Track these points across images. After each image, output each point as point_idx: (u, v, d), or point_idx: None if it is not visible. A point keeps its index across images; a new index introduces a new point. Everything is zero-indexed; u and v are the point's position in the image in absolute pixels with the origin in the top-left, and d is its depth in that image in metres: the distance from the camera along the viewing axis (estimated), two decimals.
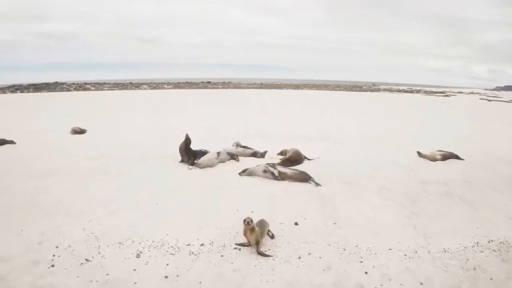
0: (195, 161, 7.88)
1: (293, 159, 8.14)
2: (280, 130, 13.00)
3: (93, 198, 6.08)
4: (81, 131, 12.36)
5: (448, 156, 9.65)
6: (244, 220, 4.48)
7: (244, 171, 7.22)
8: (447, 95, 44.79)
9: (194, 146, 8.84)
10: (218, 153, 8.14)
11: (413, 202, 6.35)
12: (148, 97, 29.31)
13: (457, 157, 9.75)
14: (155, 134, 12.08)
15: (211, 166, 7.87)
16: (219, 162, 8.12)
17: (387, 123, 15.73)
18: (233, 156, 8.46)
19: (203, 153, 8.28)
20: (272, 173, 6.95)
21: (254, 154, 8.77)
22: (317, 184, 6.73)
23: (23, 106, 22.91)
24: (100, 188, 6.57)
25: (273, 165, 7.26)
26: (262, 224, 4.74)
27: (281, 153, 9.03)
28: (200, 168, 7.76)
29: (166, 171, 7.61)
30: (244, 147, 9.06)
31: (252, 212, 5.61)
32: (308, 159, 8.56)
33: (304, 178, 6.86)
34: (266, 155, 8.87)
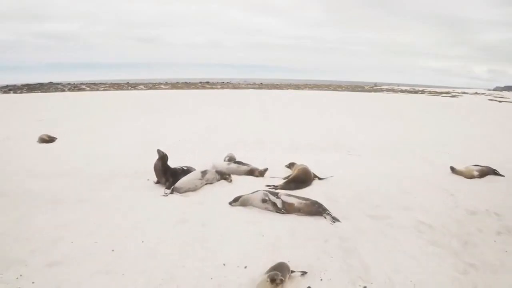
0: (174, 185, 6.14)
1: (300, 179, 6.40)
2: (281, 137, 11.21)
3: (32, 239, 4.42)
4: (50, 140, 10.62)
5: (486, 172, 7.94)
6: (272, 279, 2.87)
7: (236, 200, 5.48)
8: (453, 96, 43.09)
9: (177, 160, 7.14)
10: (204, 173, 6.40)
11: (465, 247, 4.62)
12: (140, 98, 27.18)
13: (495, 172, 8.06)
14: (136, 143, 10.31)
15: (194, 190, 6.13)
16: (206, 183, 6.38)
17: (400, 128, 13.92)
18: (224, 176, 6.73)
19: (185, 171, 6.54)
20: (274, 204, 5.21)
21: (251, 172, 7.01)
22: (335, 220, 5.00)
23: None
24: (46, 224, 4.87)
25: (274, 191, 5.53)
26: (283, 268, 3.41)
27: (290, 166, 7.33)
28: (180, 193, 6.02)
29: (136, 198, 5.87)
30: (238, 162, 7.29)
31: (246, 267, 3.92)
32: (320, 178, 6.83)
33: (317, 210, 5.12)
34: (267, 173, 7.10)
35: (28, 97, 31.36)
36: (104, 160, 8.43)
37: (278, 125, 13.82)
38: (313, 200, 5.27)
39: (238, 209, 5.36)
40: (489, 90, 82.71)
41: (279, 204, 5.17)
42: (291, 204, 5.16)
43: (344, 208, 5.52)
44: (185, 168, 6.65)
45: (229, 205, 5.45)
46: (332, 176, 7.02)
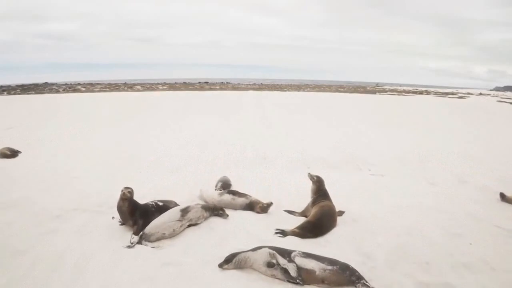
0: (143, 230, 4.42)
1: (323, 225, 4.65)
2: (287, 151, 9.25)
3: None
4: (12, 154, 8.90)
5: None
6: None
7: (229, 260, 3.74)
8: (461, 97, 41.36)
9: (156, 184, 5.49)
10: (185, 211, 4.67)
11: None
12: (130, 102, 24.03)
13: None
14: (110, 159, 8.47)
15: (170, 236, 4.42)
16: (188, 224, 4.67)
17: (424, 137, 11.94)
18: (215, 211, 5.02)
19: (160, 208, 4.82)
20: (285, 270, 3.50)
21: (251, 206, 5.27)
22: None
23: None
24: None
25: (285, 249, 3.80)
26: None
27: (313, 182, 5.21)
28: (151, 241, 4.32)
29: (89, 252, 4.14)
30: (233, 192, 5.51)
31: None
32: (341, 212, 5.13)
33: (349, 280, 3.41)
34: (272, 208, 5.32)
35: (15, 99, 29.53)
36: (66, 183, 6.70)
37: (282, 136, 11.69)
38: (342, 263, 3.55)
39: (232, 276, 3.64)
40: (491, 90, 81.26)
41: (293, 272, 3.45)
42: (310, 272, 3.44)
43: (384, 271, 3.82)
44: (160, 203, 4.93)
45: (218, 268, 3.74)
46: (360, 215, 5.29)
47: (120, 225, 4.83)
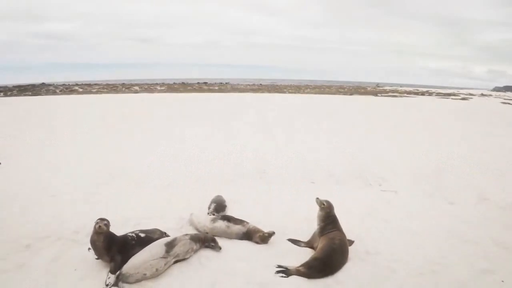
0: (121, 269, 3.74)
1: (334, 261, 3.95)
2: (290, 164, 8.42)
3: None
4: None
5: None
6: None
7: None
8: (464, 99, 40.71)
9: (140, 205, 4.83)
10: (170, 245, 3.95)
11: None
12: (124, 106, 22.13)
13: None
14: (90, 174, 7.60)
15: (151, 276, 3.73)
16: (174, 260, 3.98)
17: (434, 145, 11.08)
18: (206, 242, 4.33)
19: (141, 240, 4.13)
20: None
21: (248, 235, 4.57)
22: None
23: None
24: None
25: None
26: None
27: (322, 208, 4.48)
28: (130, 283, 3.63)
29: None
30: (228, 219, 4.78)
31: None
32: (350, 242, 4.45)
33: None
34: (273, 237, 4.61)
35: (6, 101, 28.69)
36: (43, 203, 5.98)
37: (284, 146, 10.62)
38: None
39: None
40: (491, 90, 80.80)
41: None
42: None
43: None
44: (142, 235, 4.22)
45: None
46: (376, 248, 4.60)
47: (97, 259, 4.13)
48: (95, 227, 3.94)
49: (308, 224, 5.03)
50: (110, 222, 4.05)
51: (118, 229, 4.90)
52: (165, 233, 4.62)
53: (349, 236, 4.62)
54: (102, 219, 3.92)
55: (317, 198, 4.50)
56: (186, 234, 4.30)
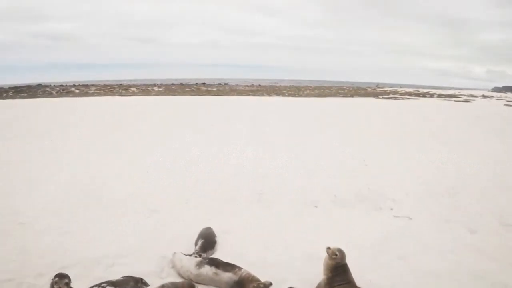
0: None
1: None
2: (290, 185, 7.48)
3: None
4: None
5: None
6: None
7: None
8: (467, 100, 39.99)
9: (114, 239, 4.14)
10: None
11: None
12: (116, 111, 19.37)
13: None
14: (68, 196, 6.66)
15: None
16: None
17: (446, 159, 9.98)
18: None
19: None
20: None
21: (240, 285, 3.76)
22: None
23: None
24: None
25: None
26: None
27: (330, 257, 3.74)
28: None
29: None
30: (217, 264, 3.98)
31: None
32: None
33: None
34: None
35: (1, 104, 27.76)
36: (9, 235, 5.20)
37: (283, 163, 9.28)
38: None
39: None
40: (490, 90, 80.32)
41: None
42: None
43: None
44: (115, 283, 3.48)
45: None
46: None
47: None
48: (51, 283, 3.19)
49: (312, 265, 4.29)
50: (74, 271, 3.32)
51: (87, 272, 4.18)
52: (141, 279, 3.88)
53: (359, 281, 3.88)
54: (61, 278, 3.18)
55: (328, 248, 3.72)
56: (163, 286, 3.54)
